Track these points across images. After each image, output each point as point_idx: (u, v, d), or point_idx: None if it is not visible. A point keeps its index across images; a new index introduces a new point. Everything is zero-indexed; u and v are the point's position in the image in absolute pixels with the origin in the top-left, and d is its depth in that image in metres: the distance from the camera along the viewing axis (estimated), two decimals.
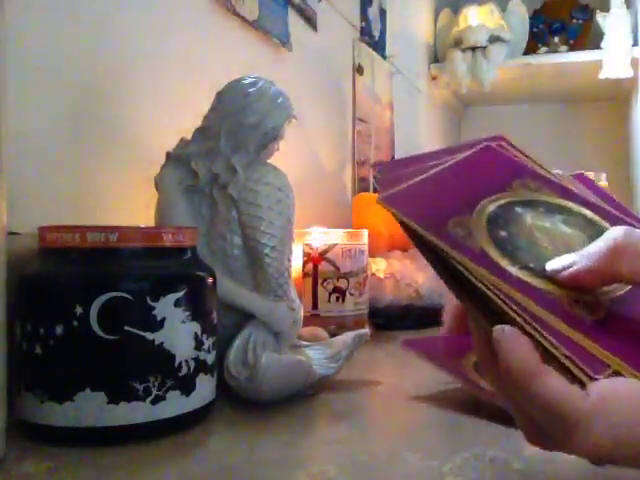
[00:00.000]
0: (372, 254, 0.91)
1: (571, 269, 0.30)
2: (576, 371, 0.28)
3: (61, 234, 0.44)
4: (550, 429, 0.28)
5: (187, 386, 0.45)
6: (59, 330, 0.41)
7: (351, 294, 0.79)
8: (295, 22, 1.05)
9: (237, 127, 0.57)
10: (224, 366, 0.52)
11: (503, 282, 0.30)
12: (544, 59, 2.02)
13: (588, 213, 0.36)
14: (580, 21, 2.12)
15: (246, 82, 0.58)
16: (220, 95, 0.59)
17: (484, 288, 0.30)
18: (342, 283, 0.78)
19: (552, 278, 0.31)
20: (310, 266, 0.78)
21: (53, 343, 0.42)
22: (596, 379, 0.27)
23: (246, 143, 0.57)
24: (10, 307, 0.42)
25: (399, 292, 0.93)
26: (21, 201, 0.54)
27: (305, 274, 0.78)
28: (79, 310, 0.41)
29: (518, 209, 0.34)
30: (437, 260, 0.32)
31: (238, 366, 0.52)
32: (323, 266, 0.78)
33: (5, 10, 0.41)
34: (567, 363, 0.28)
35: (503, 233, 0.32)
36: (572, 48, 2.06)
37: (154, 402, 0.43)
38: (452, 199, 0.34)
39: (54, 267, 0.44)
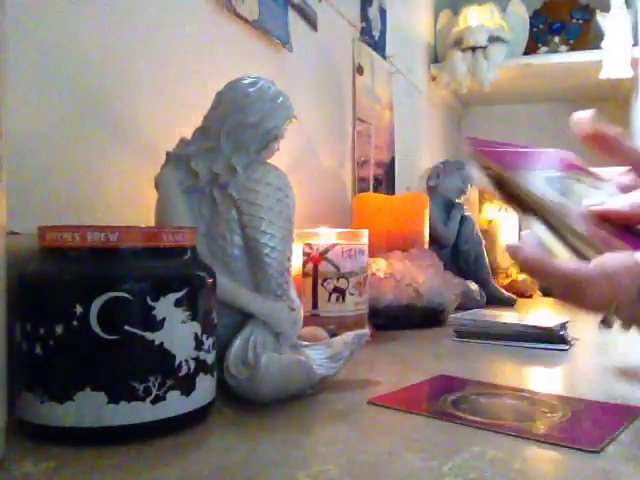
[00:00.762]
0: (372, 254, 0.91)
1: (602, 206, 0.45)
2: (596, 243, 0.43)
3: (61, 234, 0.44)
4: (569, 294, 0.43)
5: (187, 386, 0.45)
6: (59, 330, 0.41)
7: (351, 294, 0.79)
8: (295, 22, 1.05)
9: (237, 127, 0.57)
10: (224, 366, 0.52)
11: (554, 203, 0.46)
12: (544, 59, 2.02)
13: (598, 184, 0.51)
14: (580, 21, 2.12)
15: (246, 82, 0.58)
16: (220, 95, 0.59)
17: (543, 206, 0.47)
18: (342, 283, 0.78)
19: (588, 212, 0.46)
20: (310, 266, 0.78)
21: (53, 343, 0.42)
22: (605, 244, 0.43)
23: (246, 143, 0.57)
24: (10, 307, 0.42)
25: (399, 292, 0.93)
26: (21, 201, 0.54)
27: (305, 274, 0.78)
28: (79, 310, 0.41)
29: (563, 177, 0.50)
30: (509, 197, 0.49)
31: (238, 366, 0.52)
32: (323, 266, 0.78)
33: (5, 10, 0.41)
34: (588, 239, 0.43)
35: (557, 185, 0.48)
36: (572, 48, 2.05)
37: (154, 402, 0.43)
38: (522, 162, 0.50)
39: (54, 267, 0.44)
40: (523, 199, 0.47)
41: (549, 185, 0.47)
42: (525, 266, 0.46)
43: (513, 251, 0.45)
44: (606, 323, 0.46)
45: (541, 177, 0.48)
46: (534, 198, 0.47)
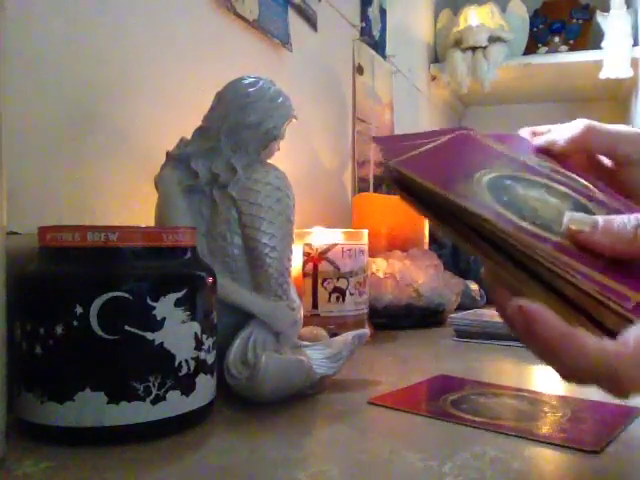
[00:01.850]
0: (372, 254, 0.91)
1: (593, 235, 0.32)
2: (613, 305, 0.29)
3: (61, 234, 0.44)
4: (595, 381, 0.30)
5: (187, 386, 0.45)
6: (59, 330, 0.41)
7: (351, 294, 0.79)
8: (295, 22, 1.05)
9: (237, 127, 0.57)
10: (224, 366, 0.52)
11: (523, 235, 0.31)
12: (544, 59, 2.02)
13: (561, 188, 0.38)
14: (580, 21, 2.12)
15: (246, 82, 0.58)
16: (220, 95, 0.59)
17: (508, 240, 0.31)
18: (342, 283, 0.78)
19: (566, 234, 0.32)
20: (310, 266, 0.78)
21: (53, 343, 0.42)
22: (629, 309, 0.29)
23: (246, 143, 0.57)
24: (10, 307, 0.42)
25: (399, 292, 0.93)
26: (21, 201, 0.54)
27: (305, 274, 0.78)
28: (79, 310, 0.41)
29: (507, 181, 0.37)
30: (449, 223, 0.34)
31: (238, 366, 0.52)
32: (323, 266, 0.78)
33: (5, 10, 0.41)
34: (603, 300, 0.29)
35: (505, 198, 0.34)
36: (572, 48, 2.06)
37: (154, 402, 0.43)
38: (453, 169, 0.37)
39: (54, 267, 0.44)
40: (469, 226, 0.33)
41: (495, 199, 0.33)
42: (545, 348, 0.30)
43: (524, 322, 0.30)
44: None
45: (483, 191, 0.34)
46: (486, 225, 0.32)
